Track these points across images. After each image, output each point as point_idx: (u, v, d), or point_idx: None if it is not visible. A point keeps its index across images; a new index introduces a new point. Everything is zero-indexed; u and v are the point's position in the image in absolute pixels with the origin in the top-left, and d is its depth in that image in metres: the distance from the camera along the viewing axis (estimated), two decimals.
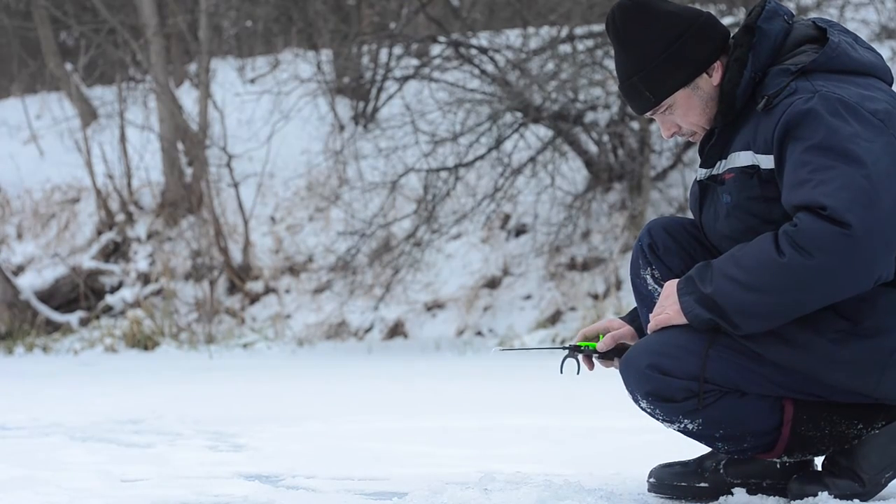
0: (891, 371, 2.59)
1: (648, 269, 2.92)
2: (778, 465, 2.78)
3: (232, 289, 12.86)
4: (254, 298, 12.72)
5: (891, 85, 2.76)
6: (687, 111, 2.77)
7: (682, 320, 2.68)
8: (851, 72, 2.67)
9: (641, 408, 2.73)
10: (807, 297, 2.55)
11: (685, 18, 2.74)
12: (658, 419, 2.72)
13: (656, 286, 2.92)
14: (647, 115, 2.82)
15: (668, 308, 2.70)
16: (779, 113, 2.62)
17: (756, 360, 2.65)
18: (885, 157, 2.55)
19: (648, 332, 2.75)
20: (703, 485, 2.83)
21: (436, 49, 12.27)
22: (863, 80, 2.67)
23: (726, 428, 2.68)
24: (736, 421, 2.67)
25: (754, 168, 2.66)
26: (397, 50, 12.58)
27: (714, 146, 2.77)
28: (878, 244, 2.51)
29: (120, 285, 13.20)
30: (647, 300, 2.95)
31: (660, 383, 2.67)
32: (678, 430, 2.73)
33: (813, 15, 9.82)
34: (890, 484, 2.82)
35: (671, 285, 2.71)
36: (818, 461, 2.84)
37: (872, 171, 2.52)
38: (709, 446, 2.76)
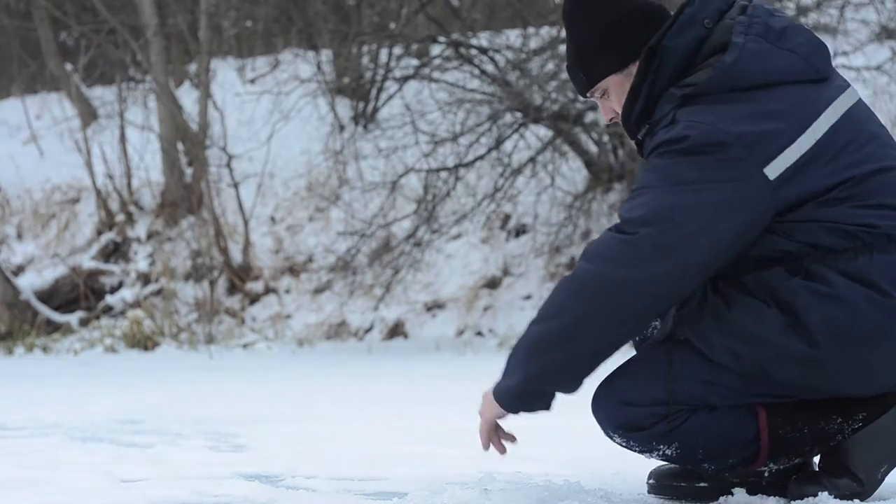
0: (843, 369, 2.58)
1: None
2: (767, 474, 2.75)
3: (232, 289, 12.87)
4: (254, 298, 12.72)
5: (817, 80, 2.62)
6: (621, 97, 2.75)
7: (493, 411, 2.71)
8: (746, 88, 2.57)
9: (617, 443, 2.73)
10: (585, 310, 2.53)
11: (629, 5, 2.72)
12: (636, 451, 2.72)
13: None
14: (588, 97, 2.81)
15: (481, 409, 2.73)
16: (653, 139, 2.60)
17: (716, 373, 2.64)
18: (709, 203, 2.49)
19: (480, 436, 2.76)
20: (702, 485, 2.82)
21: (436, 49, 12.27)
22: (759, 94, 2.57)
23: (705, 446, 2.67)
24: (713, 437, 2.66)
25: None
26: (397, 50, 12.59)
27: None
28: (655, 258, 2.48)
29: (120, 285, 13.20)
30: None
31: (627, 415, 2.67)
32: (660, 459, 2.72)
33: (813, 16, 9.81)
34: (891, 484, 2.82)
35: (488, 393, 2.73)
36: (817, 461, 2.83)
37: (683, 203, 2.49)
38: (697, 469, 2.74)
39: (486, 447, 2.81)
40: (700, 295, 2.68)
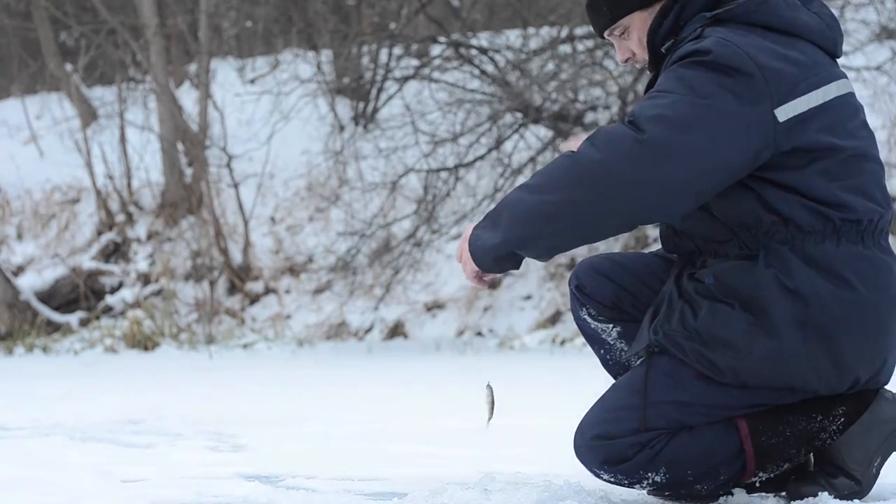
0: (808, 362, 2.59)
1: (584, 309, 2.96)
2: (758, 484, 2.75)
3: (232, 289, 12.87)
4: (254, 299, 12.72)
5: (830, 53, 2.68)
6: (642, 36, 2.76)
7: (471, 266, 2.66)
8: (772, 29, 2.62)
9: (605, 480, 2.72)
10: (580, 196, 2.51)
11: None
12: (625, 485, 2.71)
13: (597, 323, 2.96)
14: (605, 35, 2.81)
15: (460, 244, 2.69)
16: (678, 51, 2.61)
17: (690, 393, 2.64)
18: (721, 123, 2.49)
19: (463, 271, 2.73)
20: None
21: (436, 49, 12.27)
22: (783, 39, 2.61)
23: (693, 466, 2.67)
24: (698, 456, 2.66)
25: None
26: (397, 50, 12.59)
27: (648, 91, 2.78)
28: (659, 162, 2.48)
29: (120, 286, 13.20)
30: (594, 339, 2.99)
31: (609, 449, 2.67)
32: (651, 489, 2.72)
33: None
34: (890, 484, 2.82)
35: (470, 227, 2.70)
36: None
37: (698, 115, 2.49)
38: (690, 493, 2.74)
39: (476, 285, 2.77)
40: (667, 302, 2.69)
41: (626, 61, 2.82)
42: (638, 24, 2.75)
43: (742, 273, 2.60)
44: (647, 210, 2.53)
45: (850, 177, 2.60)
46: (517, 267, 2.66)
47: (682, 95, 2.51)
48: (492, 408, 2.97)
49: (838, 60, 2.72)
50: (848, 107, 2.65)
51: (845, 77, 2.69)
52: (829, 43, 2.68)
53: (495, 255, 2.63)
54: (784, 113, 2.54)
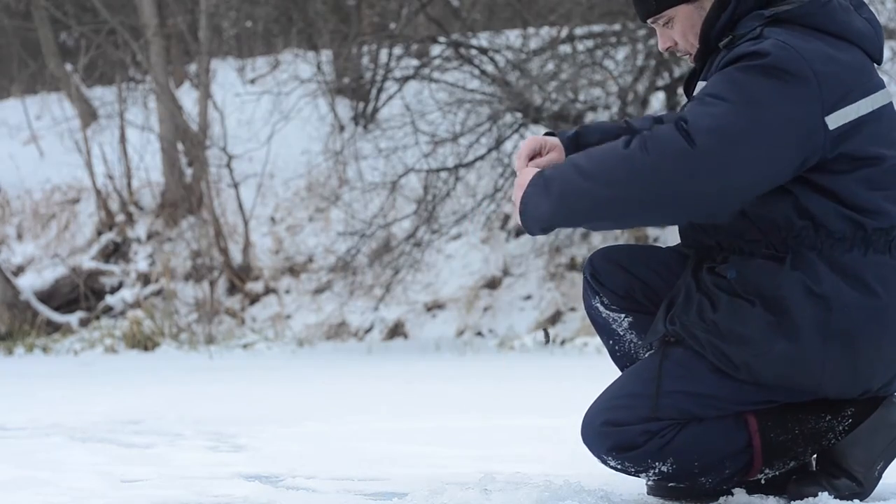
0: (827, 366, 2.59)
1: (597, 297, 2.95)
2: (763, 482, 2.75)
3: (232, 289, 12.87)
4: (254, 299, 12.73)
5: (876, 60, 2.70)
6: (686, 29, 2.76)
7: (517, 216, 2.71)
8: (828, 33, 2.62)
9: (611, 466, 2.71)
10: (628, 194, 2.54)
11: None
12: (631, 473, 2.71)
13: (609, 312, 2.95)
14: (649, 22, 2.81)
15: (516, 190, 2.72)
16: (734, 51, 2.61)
17: (703, 384, 2.64)
18: (774, 135, 2.51)
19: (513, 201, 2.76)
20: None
21: (436, 49, 12.27)
22: (838, 43, 2.62)
23: (700, 458, 2.66)
24: (706, 448, 2.66)
25: None
26: (397, 50, 12.59)
27: (690, 86, 2.77)
28: (708, 175, 2.50)
29: (120, 286, 13.20)
30: (604, 329, 2.98)
31: (618, 436, 2.66)
32: (656, 478, 2.71)
33: None
34: (891, 485, 2.82)
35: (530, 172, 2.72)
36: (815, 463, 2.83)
37: (751, 127, 2.50)
38: (694, 485, 2.73)
39: None
40: (685, 294, 2.69)
41: (667, 49, 2.83)
42: (682, 16, 2.75)
43: (767, 273, 2.60)
44: (691, 213, 2.60)
45: (890, 187, 2.62)
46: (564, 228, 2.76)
47: (734, 104, 2.52)
48: (548, 336, 2.99)
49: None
50: (891, 117, 2.67)
51: (884, 84, 2.69)
52: (876, 51, 2.69)
53: (541, 226, 2.68)
54: (835, 121, 2.56)
